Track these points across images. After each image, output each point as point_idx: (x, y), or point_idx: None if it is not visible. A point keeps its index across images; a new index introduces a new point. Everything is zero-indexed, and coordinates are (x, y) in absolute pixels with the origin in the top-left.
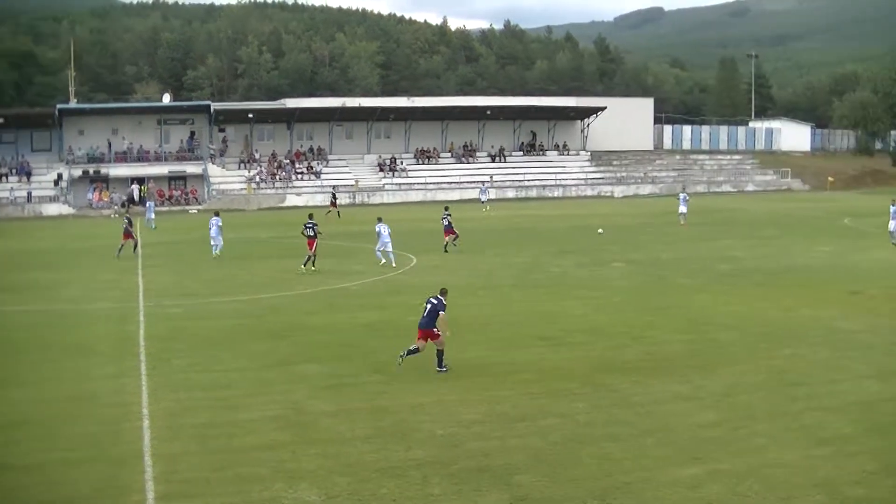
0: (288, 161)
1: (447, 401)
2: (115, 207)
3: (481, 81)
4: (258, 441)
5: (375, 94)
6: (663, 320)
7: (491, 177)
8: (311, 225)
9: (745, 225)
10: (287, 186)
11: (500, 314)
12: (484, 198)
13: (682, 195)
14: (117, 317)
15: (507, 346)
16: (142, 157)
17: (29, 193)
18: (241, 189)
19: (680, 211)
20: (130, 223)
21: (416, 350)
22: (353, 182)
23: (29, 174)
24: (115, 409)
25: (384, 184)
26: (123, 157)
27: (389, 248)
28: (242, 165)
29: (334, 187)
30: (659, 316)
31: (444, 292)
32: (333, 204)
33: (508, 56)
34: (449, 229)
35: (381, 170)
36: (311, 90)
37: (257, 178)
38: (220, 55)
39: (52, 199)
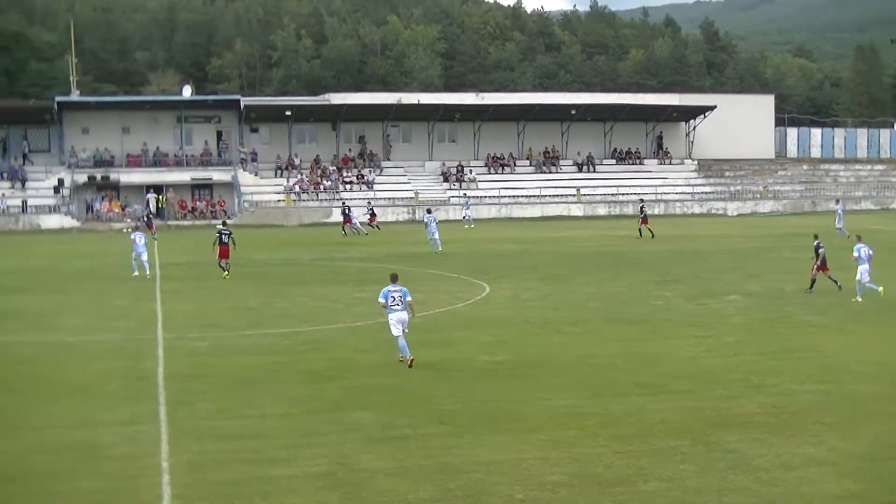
0: (334, 168)
1: (528, 458)
2: (130, 221)
3: (564, 75)
4: (299, 502)
5: (437, 89)
6: (789, 366)
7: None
8: None
9: (892, 250)
10: (333, 198)
11: (591, 355)
12: (467, 214)
13: (838, 208)
14: (131, 351)
15: (600, 394)
16: (159, 161)
17: (24, 202)
18: (279, 201)
19: (836, 226)
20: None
21: (836, 281)
22: (412, 194)
23: (24, 180)
24: (129, 462)
25: (449, 196)
26: (137, 161)
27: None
28: (280, 173)
29: (369, 201)
30: (784, 360)
31: (816, 236)
32: (372, 217)
33: (596, 44)
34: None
35: (446, 180)
36: (359, 83)
37: (297, 189)
38: (249, 40)
39: (52, 210)
